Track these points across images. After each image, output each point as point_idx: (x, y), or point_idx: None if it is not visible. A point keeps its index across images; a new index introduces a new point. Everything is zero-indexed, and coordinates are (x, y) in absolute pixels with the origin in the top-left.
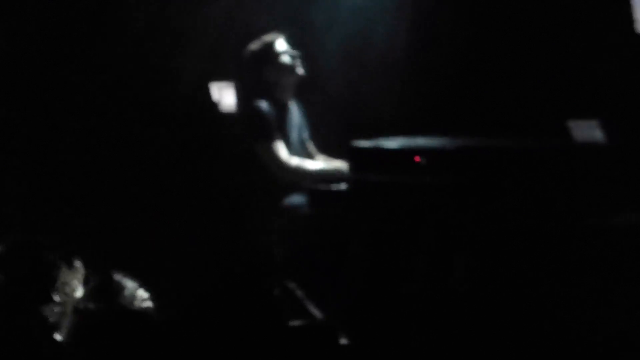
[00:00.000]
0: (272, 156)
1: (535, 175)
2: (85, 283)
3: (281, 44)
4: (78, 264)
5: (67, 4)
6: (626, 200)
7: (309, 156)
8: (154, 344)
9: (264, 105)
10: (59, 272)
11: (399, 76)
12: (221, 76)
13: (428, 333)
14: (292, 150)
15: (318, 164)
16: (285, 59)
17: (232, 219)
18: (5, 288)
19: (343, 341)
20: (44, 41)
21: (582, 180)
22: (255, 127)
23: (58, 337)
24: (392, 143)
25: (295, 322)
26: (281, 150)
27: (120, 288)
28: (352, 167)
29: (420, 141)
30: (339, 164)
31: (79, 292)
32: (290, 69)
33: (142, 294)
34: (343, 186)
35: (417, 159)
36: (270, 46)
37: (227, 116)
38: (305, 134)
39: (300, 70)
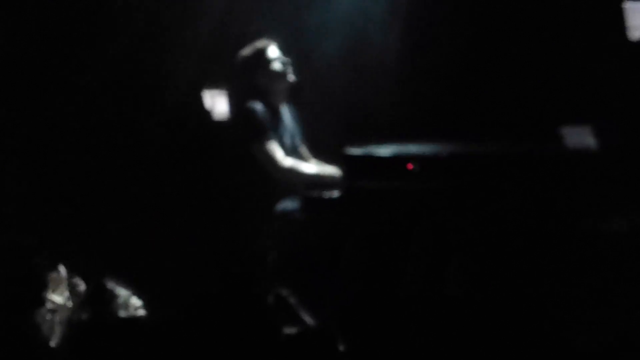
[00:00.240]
0: (267, 156)
1: (528, 181)
2: (71, 289)
3: (273, 51)
4: (62, 269)
5: (59, 12)
6: (618, 206)
7: (303, 160)
8: (147, 351)
9: (257, 106)
10: (48, 277)
11: (393, 81)
12: (214, 83)
13: (421, 339)
14: (286, 155)
15: (312, 167)
16: (277, 65)
17: (225, 225)
18: None
19: (341, 348)
20: (37, 47)
21: (575, 186)
22: (250, 128)
23: (51, 343)
24: (384, 150)
25: (293, 329)
26: (276, 150)
27: (113, 296)
28: (345, 174)
29: (412, 148)
30: (332, 170)
31: (68, 299)
32: (281, 75)
33: (135, 301)
34: (336, 193)
35: (410, 166)
36: (261, 52)
37: (220, 123)
38: (298, 139)
39: (291, 77)
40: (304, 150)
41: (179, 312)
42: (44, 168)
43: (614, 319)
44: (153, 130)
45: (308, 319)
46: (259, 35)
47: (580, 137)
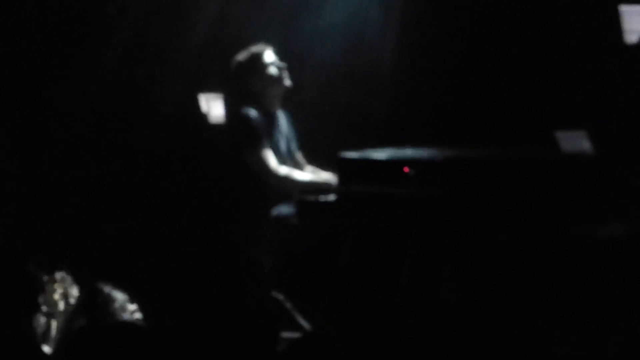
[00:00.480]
0: (260, 164)
1: (523, 186)
2: (67, 293)
3: (269, 55)
4: (62, 273)
5: (55, 15)
6: (614, 210)
7: (298, 167)
8: (144, 356)
9: (252, 113)
10: (43, 282)
11: (389, 85)
12: (210, 87)
13: (416, 345)
14: (281, 161)
15: (307, 175)
16: (273, 70)
17: (220, 230)
18: None
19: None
20: (36, 47)
21: (571, 190)
22: (244, 135)
23: (46, 348)
24: (380, 154)
25: (289, 334)
26: (270, 158)
27: (109, 300)
28: (341, 178)
29: (408, 152)
30: (328, 177)
31: (62, 303)
32: (276, 80)
33: (131, 306)
34: (331, 197)
35: (407, 169)
36: (257, 57)
37: (216, 127)
38: (294, 145)
39: (287, 82)
40: (299, 156)
41: (174, 317)
42: (40, 171)
43: (612, 323)
44: (148, 134)
45: (304, 324)
46: (254, 39)
47: (575, 142)
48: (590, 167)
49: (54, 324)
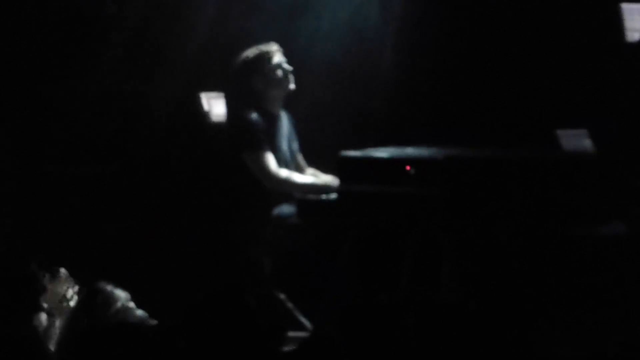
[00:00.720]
0: (260, 167)
1: (524, 185)
2: (68, 293)
3: (277, 57)
4: (63, 272)
5: (53, 16)
6: (615, 209)
7: (299, 168)
8: (146, 355)
9: (253, 115)
10: (45, 280)
11: (389, 85)
12: (209, 87)
13: (415, 344)
14: (282, 162)
15: (307, 178)
16: (279, 72)
17: (220, 230)
18: None
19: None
20: (35, 47)
21: (570, 190)
22: (244, 137)
23: (49, 347)
24: (381, 153)
25: (291, 333)
26: (270, 161)
27: (112, 300)
28: (342, 177)
29: (409, 151)
30: (329, 179)
31: (65, 301)
32: (280, 82)
33: (133, 305)
34: (332, 196)
35: (408, 167)
36: (264, 56)
37: (217, 126)
38: (295, 146)
39: (291, 85)
40: (300, 158)
41: (174, 317)
42: (40, 171)
43: (612, 323)
44: (148, 134)
45: (305, 323)
46: (254, 39)
47: (576, 141)
48: (590, 167)
49: (55, 324)
